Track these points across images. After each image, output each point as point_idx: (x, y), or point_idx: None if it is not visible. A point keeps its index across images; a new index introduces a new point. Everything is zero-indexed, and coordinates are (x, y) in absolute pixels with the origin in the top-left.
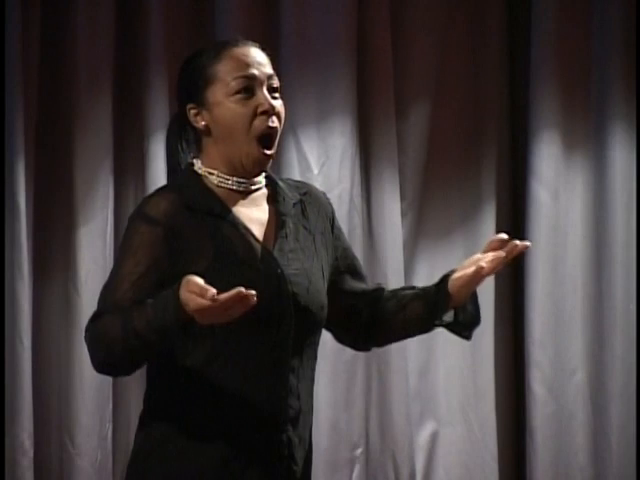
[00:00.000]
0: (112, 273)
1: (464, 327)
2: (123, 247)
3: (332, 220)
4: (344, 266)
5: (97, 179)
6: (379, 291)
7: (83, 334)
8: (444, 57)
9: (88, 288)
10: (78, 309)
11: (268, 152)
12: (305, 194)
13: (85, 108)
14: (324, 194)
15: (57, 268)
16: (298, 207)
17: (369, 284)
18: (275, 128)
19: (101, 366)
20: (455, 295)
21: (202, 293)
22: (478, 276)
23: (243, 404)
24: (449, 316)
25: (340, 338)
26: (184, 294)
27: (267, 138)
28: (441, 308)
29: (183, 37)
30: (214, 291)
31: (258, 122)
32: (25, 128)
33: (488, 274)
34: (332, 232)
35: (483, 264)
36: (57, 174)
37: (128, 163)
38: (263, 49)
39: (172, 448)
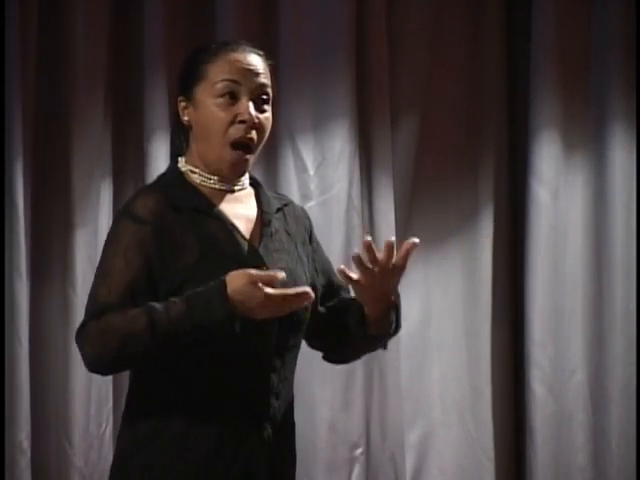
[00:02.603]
0: (101, 273)
1: (379, 340)
2: (111, 246)
3: (310, 233)
4: (325, 279)
5: (95, 179)
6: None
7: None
8: (443, 56)
9: (86, 289)
10: (75, 309)
11: (245, 156)
12: (286, 205)
13: (83, 108)
14: (302, 209)
15: (55, 268)
16: (280, 213)
17: (344, 294)
18: (252, 139)
19: (104, 361)
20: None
21: (268, 281)
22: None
23: (225, 401)
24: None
25: (315, 346)
26: (246, 288)
27: (242, 146)
28: (360, 321)
29: (182, 38)
30: (283, 275)
31: (234, 130)
32: (23, 128)
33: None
34: (310, 244)
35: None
36: (55, 174)
37: (127, 163)
38: (263, 57)
39: (156, 447)
